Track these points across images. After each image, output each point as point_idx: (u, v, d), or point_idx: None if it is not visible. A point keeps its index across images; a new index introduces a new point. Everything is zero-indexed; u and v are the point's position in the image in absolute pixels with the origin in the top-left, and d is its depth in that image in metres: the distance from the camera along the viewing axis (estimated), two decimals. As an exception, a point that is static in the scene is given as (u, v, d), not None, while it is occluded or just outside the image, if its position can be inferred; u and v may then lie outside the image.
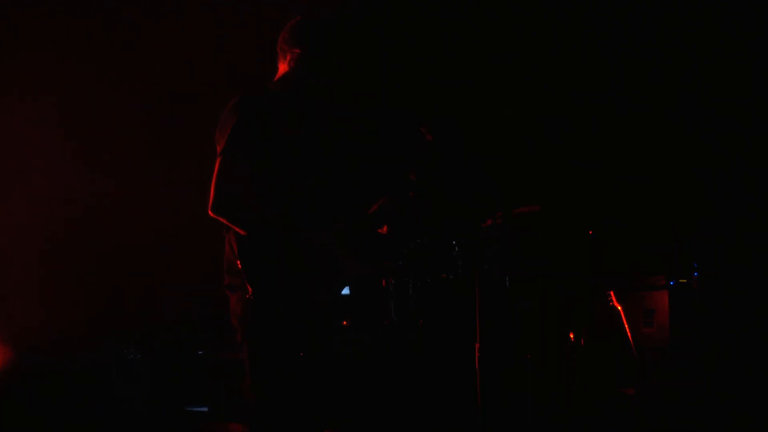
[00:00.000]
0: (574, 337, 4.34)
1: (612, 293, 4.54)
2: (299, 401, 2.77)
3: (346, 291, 4.95)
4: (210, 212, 2.72)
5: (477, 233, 4.32)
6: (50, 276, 5.05)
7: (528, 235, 4.66)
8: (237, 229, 2.71)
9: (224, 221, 2.72)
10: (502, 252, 4.41)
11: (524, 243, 4.64)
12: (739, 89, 5.03)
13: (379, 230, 3.05)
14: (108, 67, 5.28)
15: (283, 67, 2.95)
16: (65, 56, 5.11)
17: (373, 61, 5.43)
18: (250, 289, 2.66)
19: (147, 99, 5.41)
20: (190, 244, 5.27)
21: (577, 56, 5.38)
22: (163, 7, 5.34)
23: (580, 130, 5.38)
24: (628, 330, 4.46)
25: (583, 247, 4.67)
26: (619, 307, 4.49)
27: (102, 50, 5.29)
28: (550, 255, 4.66)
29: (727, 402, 4.29)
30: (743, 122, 5.00)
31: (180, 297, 5.59)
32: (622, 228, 5.01)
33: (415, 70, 5.51)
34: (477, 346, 3.69)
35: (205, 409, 5.17)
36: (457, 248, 4.34)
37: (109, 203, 5.20)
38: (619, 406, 4.45)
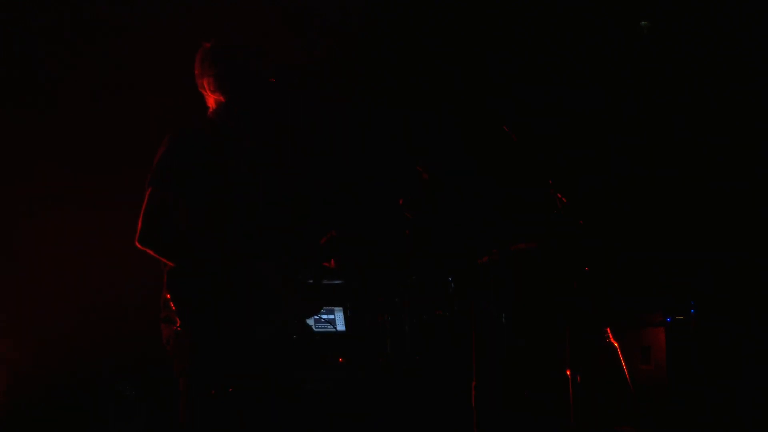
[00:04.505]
0: (570, 374, 4.31)
1: (609, 330, 4.53)
2: None
3: (341, 327, 4.96)
4: (136, 243, 2.66)
5: (473, 270, 4.32)
6: (45, 309, 5.00)
7: (525, 272, 4.66)
8: (165, 261, 2.65)
9: (151, 252, 2.66)
10: (499, 289, 4.40)
11: (521, 280, 4.64)
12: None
13: (326, 264, 2.95)
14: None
15: (210, 102, 2.88)
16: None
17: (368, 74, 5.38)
18: (178, 321, 2.58)
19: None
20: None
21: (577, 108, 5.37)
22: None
23: (578, 165, 5.39)
24: (625, 367, 4.44)
25: (579, 283, 4.66)
26: (616, 344, 4.47)
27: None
28: (547, 292, 4.65)
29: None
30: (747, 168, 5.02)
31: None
32: (619, 264, 5.01)
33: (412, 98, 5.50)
34: (473, 384, 3.68)
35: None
36: (453, 285, 4.34)
37: (108, 230, 5.13)
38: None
